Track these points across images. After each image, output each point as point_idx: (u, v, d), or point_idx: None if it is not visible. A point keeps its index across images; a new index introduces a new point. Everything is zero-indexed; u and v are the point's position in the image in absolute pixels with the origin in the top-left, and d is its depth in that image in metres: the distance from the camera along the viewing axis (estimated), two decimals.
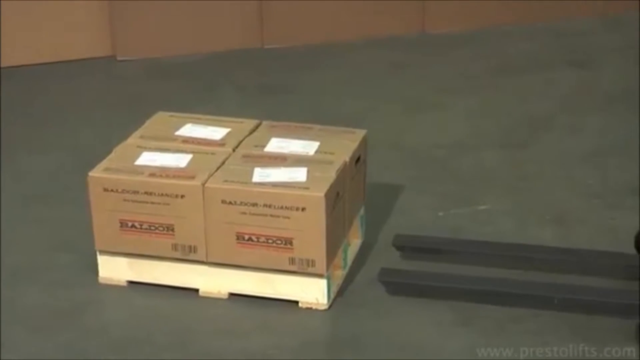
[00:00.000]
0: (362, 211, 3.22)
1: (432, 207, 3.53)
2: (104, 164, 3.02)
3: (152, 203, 2.94)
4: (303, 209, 2.80)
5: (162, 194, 2.92)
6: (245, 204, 2.86)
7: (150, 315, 3.04)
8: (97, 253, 3.09)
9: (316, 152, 3.07)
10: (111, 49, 5.33)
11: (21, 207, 3.69)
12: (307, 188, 2.82)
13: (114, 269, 3.08)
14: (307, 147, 3.10)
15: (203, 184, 2.88)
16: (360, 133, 3.14)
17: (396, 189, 3.67)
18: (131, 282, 3.09)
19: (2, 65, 5.16)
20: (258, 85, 4.89)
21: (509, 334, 2.99)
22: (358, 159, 3.07)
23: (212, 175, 2.94)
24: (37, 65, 5.12)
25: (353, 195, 3.07)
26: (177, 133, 3.24)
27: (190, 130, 3.27)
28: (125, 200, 2.96)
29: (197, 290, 3.01)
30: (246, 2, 5.50)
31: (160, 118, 3.39)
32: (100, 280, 3.08)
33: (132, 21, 5.35)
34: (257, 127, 3.28)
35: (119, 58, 5.30)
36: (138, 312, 3.06)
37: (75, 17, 5.36)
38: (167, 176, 2.94)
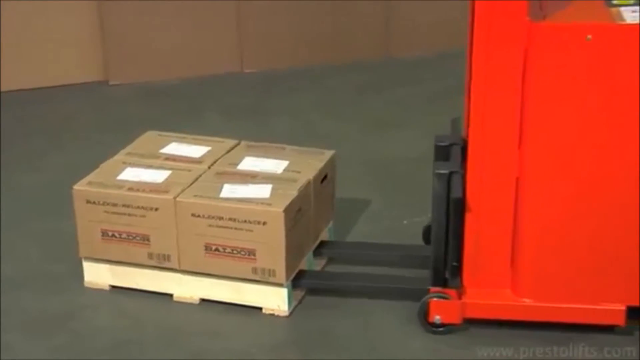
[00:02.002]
0: (330, 224, 3.28)
1: (397, 217, 3.57)
2: (88, 178, 3.13)
3: (130, 215, 3.05)
4: (264, 223, 2.89)
5: (138, 207, 3.03)
6: (212, 217, 2.96)
7: (133, 318, 3.13)
8: (82, 260, 3.17)
9: (284, 170, 3.16)
10: (104, 74, 5.42)
11: (15, 221, 3.77)
12: (269, 204, 2.91)
13: (98, 275, 3.18)
14: (277, 166, 3.19)
15: (175, 198, 2.98)
16: (329, 153, 3.22)
17: (365, 201, 3.73)
18: (113, 287, 3.18)
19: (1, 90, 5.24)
20: (239, 107, 4.97)
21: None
22: (325, 178, 3.14)
23: (184, 190, 3.03)
24: (34, 89, 5.22)
25: (320, 210, 3.14)
26: (161, 150, 3.35)
27: (174, 148, 3.38)
28: (106, 211, 3.06)
29: (171, 295, 3.10)
30: (227, 30, 5.57)
31: (149, 136, 3.50)
32: (86, 284, 3.19)
33: (123, 48, 5.46)
34: (235, 146, 3.37)
35: (110, 82, 5.39)
36: (121, 314, 3.16)
37: (69, 45, 5.46)
38: (144, 190, 3.05)
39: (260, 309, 3.03)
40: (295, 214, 2.95)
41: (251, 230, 2.92)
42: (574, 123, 2.79)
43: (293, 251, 2.97)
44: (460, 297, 2.97)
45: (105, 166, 3.23)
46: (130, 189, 3.06)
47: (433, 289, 2.95)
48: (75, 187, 3.10)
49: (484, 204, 2.91)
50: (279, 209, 2.87)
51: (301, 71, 5.11)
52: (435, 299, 2.95)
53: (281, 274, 2.92)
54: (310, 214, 3.07)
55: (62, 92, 5.25)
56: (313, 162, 3.17)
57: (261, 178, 3.10)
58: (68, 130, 4.71)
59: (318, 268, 3.21)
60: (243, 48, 5.59)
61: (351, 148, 4.04)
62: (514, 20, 2.77)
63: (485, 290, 3.06)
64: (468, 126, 2.87)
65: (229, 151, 3.34)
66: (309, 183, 3.03)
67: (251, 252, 2.94)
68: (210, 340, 2.95)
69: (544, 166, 2.86)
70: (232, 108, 4.95)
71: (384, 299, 3.11)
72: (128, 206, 3.05)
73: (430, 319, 2.96)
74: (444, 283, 2.96)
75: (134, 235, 3.06)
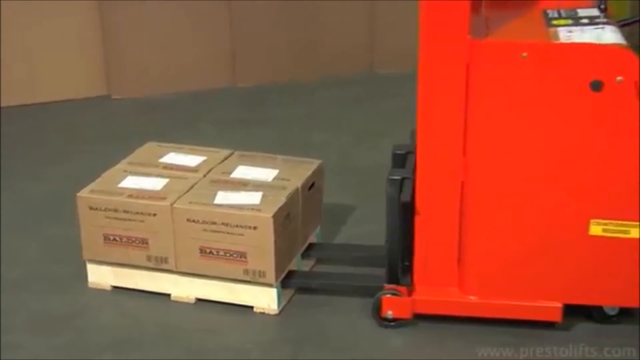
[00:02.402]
0: (318, 228, 3.39)
1: (380, 220, 3.64)
2: (91, 186, 3.23)
3: (130, 220, 3.14)
4: (255, 228, 2.99)
5: (137, 212, 3.12)
6: (207, 222, 3.06)
7: (133, 317, 3.21)
8: (86, 262, 3.27)
9: (274, 178, 3.25)
10: (106, 89, 5.50)
11: (23, 227, 3.85)
12: (259, 210, 3.01)
13: (100, 276, 3.28)
14: (267, 174, 3.29)
15: (171, 205, 3.08)
16: (316, 163, 3.32)
17: (351, 206, 3.81)
18: (115, 287, 3.28)
19: (9, 105, 5.27)
20: (233, 119, 5.04)
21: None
22: (312, 185, 3.24)
23: (180, 197, 3.13)
24: (39, 104, 5.30)
25: (308, 215, 3.25)
26: (160, 160, 3.44)
27: (172, 158, 3.47)
28: (107, 217, 3.16)
29: (168, 295, 3.20)
30: (221, 48, 5.64)
31: (149, 147, 3.58)
32: (89, 285, 3.28)
33: (125, 65, 5.53)
34: (229, 156, 3.46)
35: (113, 97, 5.47)
36: (122, 313, 3.24)
37: (74, 62, 5.53)
38: (143, 197, 3.15)
39: (252, 307, 3.12)
40: (284, 219, 3.05)
41: (243, 235, 3.02)
42: (513, 133, 2.91)
43: (282, 254, 3.07)
44: (410, 294, 3.08)
45: (107, 175, 3.33)
46: (130, 196, 3.15)
47: (387, 286, 3.06)
48: (79, 194, 3.20)
49: (433, 208, 3.02)
50: (268, 214, 2.97)
51: (290, 86, 5.21)
52: (387, 296, 3.06)
53: (271, 275, 3.02)
54: (298, 219, 3.17)
55: (67, 107, 5.32)
56: (301, 171, 3.27)
57: (252, 186, 3.20)
58: (72, 142, 4.78)
59: (306, 269, 3.29)
60: (236, 64, 5.67)
61: (337, 157, 4.13)
62: (457, 37, 2.87)
63: (434, 287, 3.16)
64: (417, 136, 2.97)
65: (222, 161, 3.43)
66: (297, 190, 3.13)
67: (243, 255, 3.04)
68: (206, 337, 3.05)
69: (487, 172, 2.97)
70: (226, 120, 5.04)
71: (358, 297, 3.18)
72: (128, 212, 3.14)
73: (383, 314, 3.07)
74: (397, 281, 3.07)
75: (134, 239, 3.16)
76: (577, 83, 2.82)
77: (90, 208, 3.17)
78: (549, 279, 3.05)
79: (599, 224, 2.97)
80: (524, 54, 2.82)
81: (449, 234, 3.05)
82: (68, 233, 3.42)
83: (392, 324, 3.06)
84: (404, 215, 3.02)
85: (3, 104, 5.29)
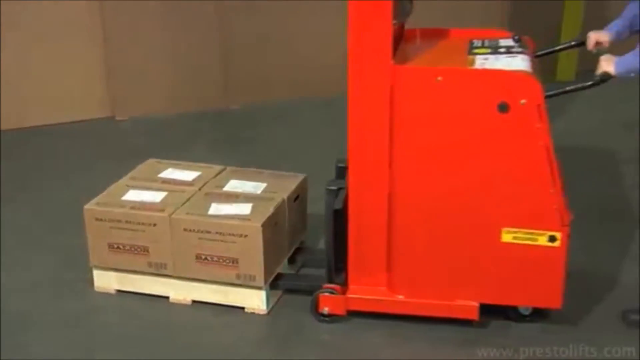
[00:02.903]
0: (303, 237, 3.56)
1: None
2: (97, 199, 3.38)
3: (132, 230, 3.28)
4: (245, 236, 3.15)
5: (139, 223, 3.27)
6: (202, 231, 3.21)
7: (135, 317, 3.34)
8: (92, 268, 3.41)
9: (262, 191, 3.41)
10: (111, 111, 5.62)
11: (35, 237, 3.97)
12: (248, 220, 3.18)
13: (105, 281, 3.42)
14: (256, 187, 3.44)
15: (170, 216, 3.23)
16: (301, 176, 3.49)
17: None
18: (119, 291, 3.42)
19: (16, 127, 5.35)
20: (226, 138, 5.17)
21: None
22: (297, 197, 3.42)
23: (177, 209, 3.28)
24: (53, 125, 5.42)
25: (294, 224, 3.41)
26: (159, 175, 3.58)
27: (170, 173, 3.61)
28: (111, 227, 3.30)
29: (167, 298, 3.34)
30: (214, 74, 5.73)
31: (149, 163, 3.74)
32: (96, 289, 3.43)
33: (128, 88, 5.62)
34: (221, 171, 3.61)
35: (117, 118, 5.59)
36: (125, 314, 3.36)
37: (80, 86, 5.61)
38: (144, 209, 3.29)
39: (243, 308, 3.27)
40: (272, 228, 3.22)
41: (234, 242, 3.17)
42: (432, 149, 3.05)
43: (270, 259, 3.23)
44: (344, 293, 3.22)
45: (112, 189, 3.47)
46: (132, 208, 3.30)
47: (325, 285, 3.22)
48: (86, 207, 3.34)
49: (364, 215, 3.16)
50: (257, 223, 3.14)
51: (277, 107, 5.36)
52: (323, 294, 3.22)
53: (260, 279, 3.19)
54: (285, 228, 3.34)
55: (75, 127, 5.45)
56: (287, 184, 3.43)
57: (243, 198, 3.35)
58: (80, 160, 4.92)
59: (293, 272, 3.46)
60: (228, 89, 5.79)
61: (320, 171, 4.24)
62: (381, 63, 3.01)
63: (366, 287, 3.30)
64: (348, 151, 3.09)
65: (216, 175, 3.58)
66: (283, 201, 3.31)
67: (235, 261, 3.19)
68: (202, 335, 3.19)
69: (410, 184, 3.13)
70: (220, 138, 5.17)
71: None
72: (130, 222, 3.28)
73: (320, 310, 3.23)
74: (333, 281, 3.23)
75: (136, 247, 3.30)
76: (486, 105, 2.96)
77: (96, 219, 3.30)
78: (466, 280, 3.19)
79: (509, 232, 3.10)
80: (439, 78, 2.96)
81: (378, 239, 3.18)
82: (76, 242, 3.54)
83: (327, 319, 3.22)
84: (335, 221, 3.17)
85: (15, 125, 5.39)
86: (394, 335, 3.18)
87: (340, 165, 3.33)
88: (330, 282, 3.24)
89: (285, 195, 3.33)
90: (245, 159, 4.19)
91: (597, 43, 3.37)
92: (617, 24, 3.35)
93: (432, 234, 3.13)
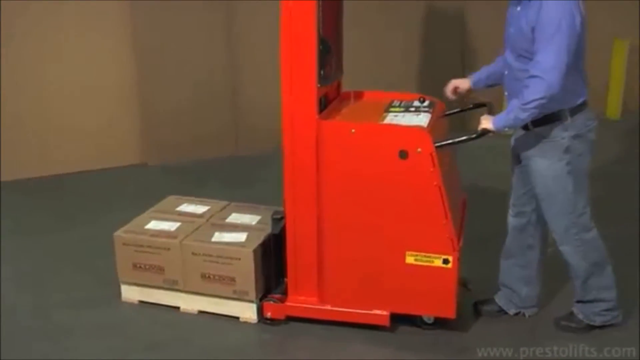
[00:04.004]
0: None
1: None
2: (125, 227, 3.86)
3: (151, 253, 3.73)
4: (239, 259, 3.60)
5: (156, 247, 3.72)
6: (206, 255, 3.65)
7: (154, 323, 3.73)
8: (120, 283, 3.87)
9: (257, 222, 3.87)
10: (142, 157, 6.18)
11: (78, 260, 4.40)
12: (243, 246, 3.63)
13: (130, 294, 3.87)
14: (252, 219, 3.91)
15: (180, 242, 3.69)
16: None
17: None
18: (141, 302, 3.85)
19: (63, 172, 5.89)
20: (233, 179, 5.59)
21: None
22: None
23: (187, 236, 3.73)
24: (87, 171, 5.97)
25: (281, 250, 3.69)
26: (176, 209, 4.07)
27: (185, 207, 4.10)
28: (135, 250, 3.76)
29: (178, 308, 3.78)
30: (226, 126, 6.27)
31: (169, 199, 4.23)
32: (122, 299, 3.88)
33: (158, 138, 6.17)
34: (226, 206, 4.09)
35: (149, 164, 6.11)
36: (147, 321, 3.75)
37: (116, 137, 6.17)
38: (161, 236, 3.76)
39: (238, 318, 3.69)
40: (263, 252, 3.66)
41: (232, 264, 3.62)
42: (349, 188, 3.41)
43: (261, 278, 3.66)
44: (283, 302, 3.64)
45: (138, 219, 3.97)
46: (152, 235, 3.77)
47: (271, 295, 3.67)
48: (115, 234, 3.83)
49: (299, 240, 3.53)
50: (249, 249, 3.60)
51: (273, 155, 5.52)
52: (268, 302, 3.64)
53: (252, 294, 3.63)
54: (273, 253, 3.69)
55: (111, 172, 5.97)
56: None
57: (241, 228, 3.82)
58: (116, 198, 5.38)
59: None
60: (238, 138, 6.34)
61: None
62: (308, 118, 3.37)
63: (301, 297, 3.65)
64: (284, 188, 3.48)
65: (221, 209, 4.06)
66: (272, 236, 3.67)
67: (232, 279, 3.63)
68: (205, 338, 3.59)
69: (334, 216, 3.46)
70: (228, 180, 5.59)
71: None
72: (150, 247, 3.74)
73: (264, 315, 3.64)
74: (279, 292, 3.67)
75: (154, 266, 3.75)
76: (389, 152, 3.31)
77: (123, 244, 3.78)
78: (379, 294, 3.54)
79: (412, 255, 3.42)
80: (353, 130, 3.34)
81: (310, 260, 3.57)
82: (108, 263, 3.96)
83: (269, 322, 3.63)
84: (275, 243, 3.63)
85: (59, 172, 5.94)
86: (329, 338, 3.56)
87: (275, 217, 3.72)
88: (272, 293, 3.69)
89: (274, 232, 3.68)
90: (248, 196, 4.57)
91: (455, 89, 3.70)
92: (477, 74, 3.68)
93: (351, 256, 3.51)
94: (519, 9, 3.25)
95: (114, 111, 6.14)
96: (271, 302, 3.63)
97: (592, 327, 3.49)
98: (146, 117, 6.17)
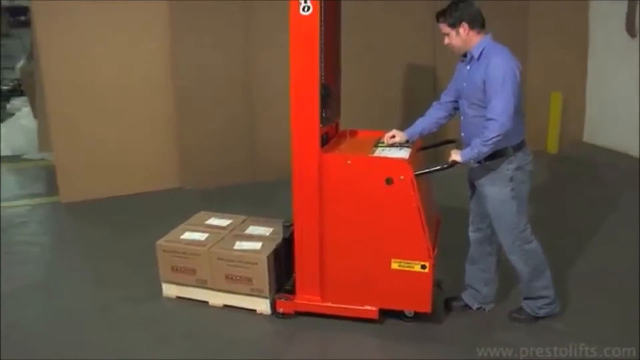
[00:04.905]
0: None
1: None
2: (164, 237, 4.36)
3: (185, 258, 4.22)
4: (256, 264, 4.08)
5: (190, 253, 4.22)
6: (229, 260, 4.13)
7: (189, 315, 4.17)
8: (162, 283, 4.35)
9: (270, 233, 4.35)
10: (180, 182, 6.74)
11: (130, 265, 4.88)
12: (259, 253, 4.10)
13: (169, 291, 4.37)
14: (266, 231, 4.40)
15: (209, 249, 4.18)
16: None
17: None
18: (178, 297, 4.34)
19: (104, 196, 6.39)
20: (253, 199, 6.04)
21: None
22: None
23: (214, 244, 4.22)
24: (140, 194, 6.53)
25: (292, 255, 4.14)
26: (206, 222, 4.59)
27: (213, 221, 4.61)
28: (172, 256, 4.25)
29: (207, 302, 4.27)
30: (247, 157, 6.71)
31: (200, 214, 4.76)
32: (163, 296, 4.38)
33: (192, 165, 6.66)
34: (245, 220, 4.59)
35: (186, 188, 6.53)
36: (183, 314, 4.19)
37: (159, 166, 6.64)
38: (193, 244, 4.24)
39: (255, 310, 4.18)
40: (275, 257, 4.13)
41: (249, 268, 4.11)
42: (345, 208, 3.72)
43: (274, 277, 4.13)
44: (293, 300, 4.02)
45: (175, 231, 4.48)
46: (186, 244, 4.26)
47: (283, 294, 4.07)
48: (157, 242, 4.34)
49: (305, 250, 3.86)
50: (264, 255, 4.09)
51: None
52: (280, 299, 4.05)
53: (266, 291, 4.12)
54: (284, 258, 4.21)
55: (149, 196, 6.50)
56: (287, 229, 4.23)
57: (256, 238, 4.31)
58: (159, 215, 5.87)
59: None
60: (256, 167, 6.78)
61: None
62: (312, 151, 3.70)
63: (307, 296, 3.97)
64: (293, 206, 3.80)
65: (241, 223, 4.58)
66: (283, 240, 4.20)
67: (250, 279, 4.12)
68: (231, 328, 4.03)
69: (333, 230, 3.77)
70: (248, 200, 6.07)
71: None
72: (185, 253, 4.24)
73: (277, 310, 4.04)
74: (289, 290, 4.09)
75: (188, 269, 4.25)
76: (378, 179, 3.63)
77: (164, 251, 4.29)
78: (370, 293, 3.86)
79: (396, 261, 3.73)
80: (349, 161, 3.70)
81: (314, 263, 3.89)
82: (153, 266, 4.42)
83: (280, 316, 4.02)
84: (286, 248, 3.98)
85: (113, 194, 6.46)
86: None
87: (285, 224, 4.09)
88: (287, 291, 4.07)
89: (285, 236, 4.19)
90: (264, 212, 5.05)
91: (392, 137, 4.06)
92: (412, 128, 4.05)
93: (347, 263, 3.85)
94: (468, 67, 3.74)
95: (157, 144, 6.59)
96: (282, 300, 4.03)
97: (538, 318, 4.01)
98: (184, 150, 6.56)
